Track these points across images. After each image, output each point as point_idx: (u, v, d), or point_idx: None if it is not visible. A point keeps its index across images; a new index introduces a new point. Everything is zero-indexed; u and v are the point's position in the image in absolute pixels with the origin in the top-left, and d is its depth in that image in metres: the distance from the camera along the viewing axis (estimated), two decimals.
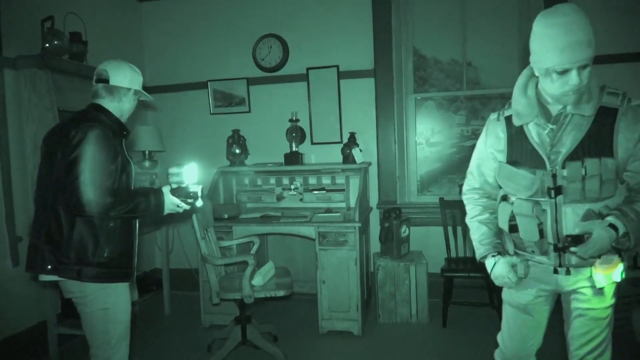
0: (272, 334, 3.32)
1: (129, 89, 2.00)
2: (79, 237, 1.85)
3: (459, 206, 3.56)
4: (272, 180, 4.12)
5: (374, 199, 4.11)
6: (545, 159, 1.57)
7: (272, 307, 3.95)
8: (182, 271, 4.38)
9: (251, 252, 3.20)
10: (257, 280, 2.96)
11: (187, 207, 1.98)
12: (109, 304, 1.92)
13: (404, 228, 3.64)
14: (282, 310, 3.91)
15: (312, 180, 4.07)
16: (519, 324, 1.81)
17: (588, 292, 1.64)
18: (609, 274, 1.55)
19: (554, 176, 1.55)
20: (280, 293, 2.95)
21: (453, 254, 3.66)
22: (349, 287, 3.35)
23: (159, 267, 4.21)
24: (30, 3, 3.16)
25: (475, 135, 4.05)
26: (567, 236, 1.55)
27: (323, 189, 3.94)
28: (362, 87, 4.08)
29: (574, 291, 1.67)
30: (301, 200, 3.98)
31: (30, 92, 2.99)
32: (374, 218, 4.06)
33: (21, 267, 2.98)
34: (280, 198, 4.03)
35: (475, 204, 1.85)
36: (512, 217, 1.65)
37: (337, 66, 4.06)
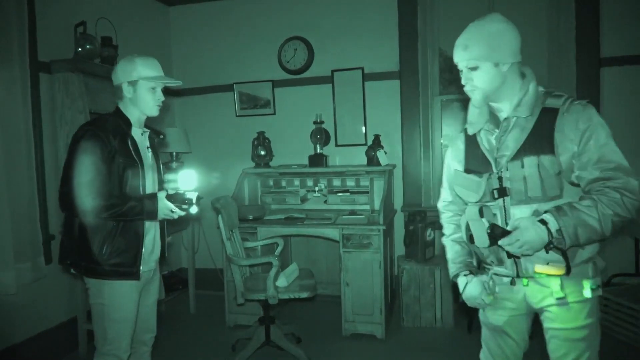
0: (296, 335, 3.33)
1: (121, 84, 1.99)
2: (82, 235, 1.93)
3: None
4: (297, 182, 4.14)
5: (398, 201, 4.08)
6: (492, 162, 1.60)
7: (295, 309, 3.96)
8: (208, 271, 4.44)
9: (275, 253, 3.22)
10: (281, 282, 2.98)
11: (181, 213, 1.95)
12: (104, 300, 1.96)
13: (429, 231, 3.60)
14: (306, 312, 3.91)
15: (336, 182, 4.06)
16: (499, 345, 1.76)
17: (554, 310, 1.56)
18: (553, 276, 1.51)
19: (500, 178, 1.57)
20: (304, 294, 2.96)
21: None
22: (372, 289, 3.33)
23: (185, 266, 4.27)
24: (64, 9, 3.26)
25: None
26: (494, 230, 1.49)
27: (347, 191, 3.93)
28: (387, 89, 4.06)
29: (543, 309, 1.60)
30: (325, 202, 3.98)
31: (64, 95, 3.08)
32: (399, 221, 4.02)
33: (54, 264, 3.08)
34: (304, 200, 4.04)
35: (449, 222, 1.85)
36: (468, 226, 1.59)
37: (362, 68, 4.06)
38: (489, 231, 1.49)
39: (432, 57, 4.08)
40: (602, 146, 1.45)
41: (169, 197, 1.93)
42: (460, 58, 1.58)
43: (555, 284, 1.53)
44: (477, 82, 1.57)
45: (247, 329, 3.24)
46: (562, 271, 1.49)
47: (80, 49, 3.17)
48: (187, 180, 1.97)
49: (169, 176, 2.06)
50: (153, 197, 1.94)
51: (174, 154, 4.00)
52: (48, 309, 3.13)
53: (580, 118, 1.47)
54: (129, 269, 1.98)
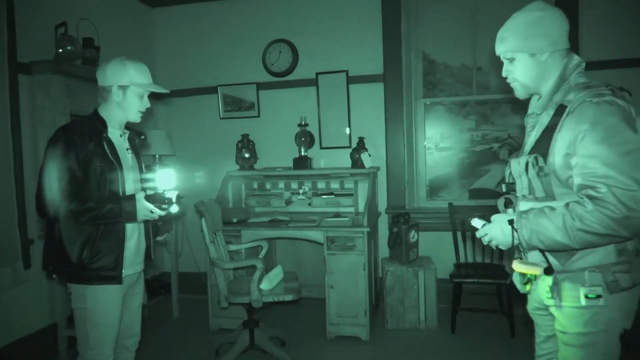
0: (280, 339, 3.32)
1: (111, 86, 1.96)
2: (62, 241, 1.91)
3: (468, 211, 3.56)
4: (281, 185, 4.14)
5: (382, 203, 4.11)
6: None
7: (280, 312, 3.95)
8: (191, 275, 4.40)
9: (259, 256, 3.20)
10: (266, 285, 2.97)
11: (161, 213, 1.93)
12: (87, 304, 1.94)
13: (412, 233, 3.63)
14: (290, 315, 3.90)
15: (321, 185, 4.07)
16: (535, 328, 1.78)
17: (552, 310, 1.54)
18: (528, 274, 1.54)
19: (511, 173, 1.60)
20: (289, 297, 2.95)
21: (462, 260, 3.64)
22: (357, 292, 3.34)
23: (168, 270, 4.23)
24: (44, 9, 3.21)
25: (485, 140, 4.03)
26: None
27: (332, 193, 3.94)
28: (371, 92, 4.08)
29: (547, 307, 1.58)
30: (310, 204, 3.98)
31: (44, 97, 3.03)
32: (383, 223, 4.05)
33: (33, 269, 3.02)
34: (288, 202, 4.04)
35: None
36: None
37: (347, 71, 4.08)
38: (484, 222, 1.57)
39: (416, 60, 4.12)
40: (592, 151, 1.33)
41: (148, 198, 1.91)
42: (499, 51, 1.58)
43: (545, 284, 1.51)
44: (515, 74, 1.56)
45: (231, 333, 3.22)
46: (537, 272, 1.48)
47: (61, 50, 3.12)
48: (166, 179, 1.96)
49: (146, 176, 2.03)
50: (131, 198, 1.92)
51: (157, 156, 3.96)
52: (27, 314, 3.07)
53: (582, 117, 1.36)
54: (111, 273, 1.95)
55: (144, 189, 2.03)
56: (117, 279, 1.96)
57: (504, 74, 1.60)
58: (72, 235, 1.89)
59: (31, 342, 3.06)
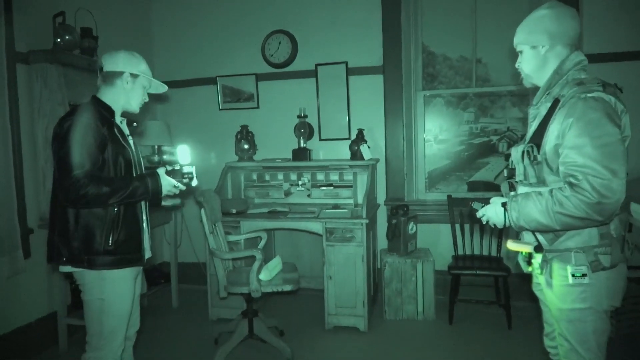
0: (279, 329, 3.34)
1: (122, 72, 1.99)
2: (84, 228, 1.90)
3: (467, 204, 3.57)
4: (280, 176, 4.14)
5: (381, 195, 4.11)
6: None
7: (279, 302, 3.97)
8: (190, 265, 4.42)
9: (258, 247, 3.22)
10: (265, 275, 2.98)
11: (183, 187, 2.04)
12: (104, 295, 1.94)
13: (411, 225, 3.64)
14: (289, 305, 3.93)
15: (320, 176, 4.07)
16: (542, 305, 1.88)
17: (542, 280, 1.71)
18: (519, 252, 1.77)
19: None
20: (287, 288, 2.96)
21: (460, 252, 3.65)
22: (355, 283, 3.35)
23: (167, 260, 4.24)
24: None
25: (484, 132, 4.04)
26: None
27: (331, 185, 3.94)
28: (370, 84, 4.07)
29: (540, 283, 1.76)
30: (309, 196, 3.98)
31: (42, 87, 3.03)
32: (382, 215, 4.06)
33: (32, 258, 3.03)
34: (287, 194, 4.04)
35: None
36: None
37: (346, 62, 4.06)
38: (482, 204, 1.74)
39: (416, 52, 4.11)
40: (574, 142, 1.46)
41: (169, 173, 2.00)
42: (514, 44, 1.74)
43: (536, 262, 1.70)
44: (522, 65, 1.72)
45: (230, 323, 3.24)
46: (528, 249, 1.67)
47: (59, 40, 3.10)
48: (183, 155, 2.07)
49: (165, 148, 2.09)
50: (154, 174, 1.97)
51: (156, 147, 3.95)
52: (27, 303, 3.08)
53: (570, 112, 1.48)
54: (135, 255, 2.02)
55: (164, 165, 2.09)
56: (140, 261, 2.05)
57: (516, 65, 1.76)
58: (98, 220, 1.90)
59: (31, 331, 3.08)
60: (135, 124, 2.22)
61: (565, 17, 1.61)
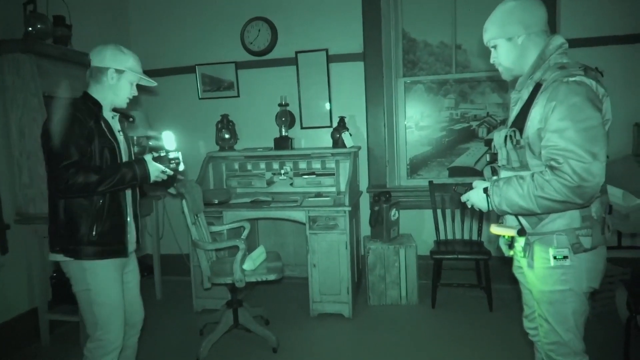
0: (264, 318, 3.35)
1: (107, 68, 2.00)
2: (71, 219, 1.94)
3: (448, 189, 3.62)
4: (262, 165, 4.12)
5: (364, 182, 4.13)
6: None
7: (263, 291, 3.98)
8: (173, 257, 4.39)
9: (242, 236, 3.21)
10: (248, 265, 2.98)
11: (171, 172, 2.07)
12: (90, 285, 1.97)
13: (393, 211, 3.67)
14: (274, 294, 3.94)
15: (302, 165, 4.07)
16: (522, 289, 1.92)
17: (523, 263, 1.74)
18: (502, 236, 1.79)
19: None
20: (272, 277, 2.97)
21: (442, 237, 3.70)
22: (339, 270, 3.38)
23: (150, 252, 4.20)
24: None
25: (465, 118, 4.07)
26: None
27: (313, 173, 3.94)
28: (351, 71, 4.06)
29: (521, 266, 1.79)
30: (291, 184, 3.98)
31: (14, 77, 2.94)
32: (364, 202, 4.08)
33: (10, 254, 2.97)
34: (270, 183, 4.03)
35: None
36: None
37: (327, 50, 4.03)
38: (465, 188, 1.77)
39: (396, 38, 4.11)
40: (556, 126, 1.47)
41: (156, 159, 2.03)
42: (484, 40, 1.75)
43: (519, 245, 1.73)
44: (499, 59, 1.72)
45: (215, 313, 3.23)
46: (512, 233, 1.70)
47: (30, 29, 3.01)
48: (169, 141, 2.10)
49: (150, 133, 2.09)
50: (141, 161, 2.00)
51: (135, 137, 3.88)
52: (6, 299, 3.02)
53: (552, 95, 1.49)
54: (119, 247, 2.04)
55: (150, 151, 2.11)
56: (124, 252, 2.07)
57: (491, 61, 1.77)
58: (82, 211, 1.94)
59: (11, 327, 3.02)
60: (131, 118, 2.25)
61: (535, 6, 1.65)
